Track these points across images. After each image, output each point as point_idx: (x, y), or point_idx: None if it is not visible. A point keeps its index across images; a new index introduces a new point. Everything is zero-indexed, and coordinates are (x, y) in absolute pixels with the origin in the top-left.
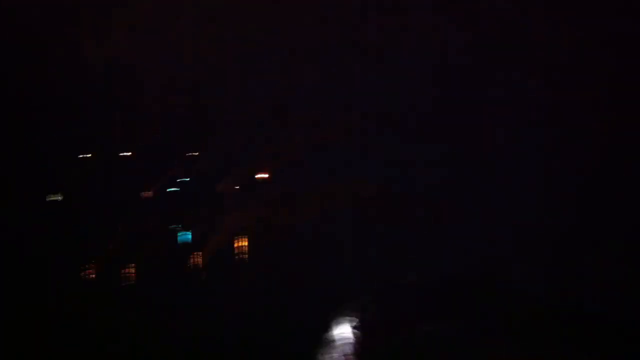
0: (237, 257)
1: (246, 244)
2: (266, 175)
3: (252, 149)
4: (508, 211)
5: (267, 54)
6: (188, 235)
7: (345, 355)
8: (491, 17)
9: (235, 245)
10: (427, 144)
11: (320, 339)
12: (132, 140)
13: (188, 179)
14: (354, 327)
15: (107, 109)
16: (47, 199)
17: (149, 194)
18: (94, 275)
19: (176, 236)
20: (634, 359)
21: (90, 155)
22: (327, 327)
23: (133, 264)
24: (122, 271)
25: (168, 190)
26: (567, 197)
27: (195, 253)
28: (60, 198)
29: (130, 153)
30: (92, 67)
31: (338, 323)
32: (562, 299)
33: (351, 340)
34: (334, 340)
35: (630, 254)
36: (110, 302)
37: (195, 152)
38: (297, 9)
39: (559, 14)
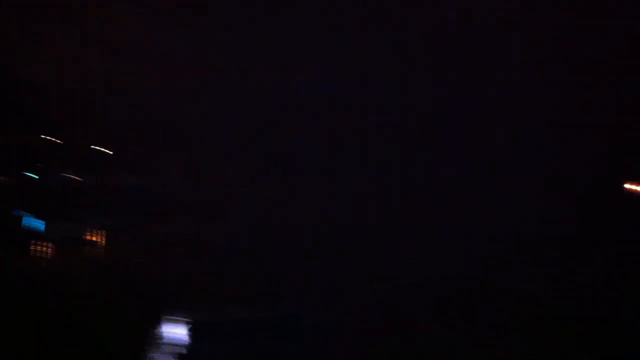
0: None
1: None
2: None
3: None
4: (508, 211)
5: (265, 54)
6: (37, 223)
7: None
8: (491, 16)
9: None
10: (426, 143)
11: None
12: None
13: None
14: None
15: None
16: None
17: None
18: None
19: (20, 222)
20: (634, 359)
21: None
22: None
23: None
24: None
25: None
26: (567, 197)
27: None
28: None
29: None
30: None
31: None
32: (562, 299)
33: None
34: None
35: (630, 254)
36: None
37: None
38: (295, 12)
39: (560, 13)
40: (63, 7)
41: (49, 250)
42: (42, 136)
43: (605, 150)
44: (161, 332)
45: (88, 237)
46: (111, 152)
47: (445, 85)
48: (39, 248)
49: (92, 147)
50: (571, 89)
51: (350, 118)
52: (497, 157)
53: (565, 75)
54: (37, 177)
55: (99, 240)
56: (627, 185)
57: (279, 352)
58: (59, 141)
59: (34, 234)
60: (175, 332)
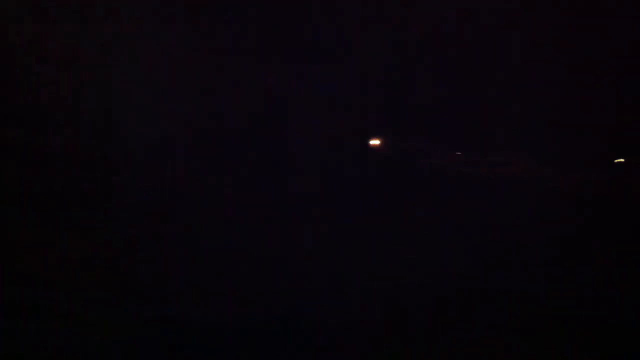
0: None
1: None
2: None
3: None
4: (508, 211)
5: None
6: None
7: None
8: (492, 15)
9: None
10: (426, 142)
11: None
12: None
13: None
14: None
15: None
16: None
17: None
18: None
19: None
20: (634, 359)
21: None
22: None
23: None
24: None
25: None
26: (567, 197)
27: None
28: None
29: None
30: None
31: None
32: (562, 299)
33: None
34: None
35: (630, 254)
36: None
37: None
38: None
39: (560, 13)
40: (62, 6)
41: None
42: None
43: (605, 149)
44: None
45: None
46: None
47: (446, 85)
48: None
49: None
50: (571, 89)
51: (348, 116)
52: (497, 155)
53: (565, 75)
54: None
55: None
56: (371, 142)
57: (279, 352)
58: None
59: None
60: None
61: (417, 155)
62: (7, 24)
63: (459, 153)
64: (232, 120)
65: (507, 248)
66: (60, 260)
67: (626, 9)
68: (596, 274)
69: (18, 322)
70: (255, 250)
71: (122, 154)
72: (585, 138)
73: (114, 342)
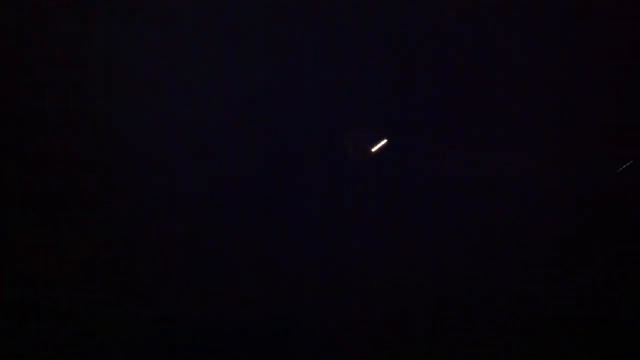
0: None
1: None
2: None
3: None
4: (508, 211)
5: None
6: None
7: None
8: (492, 15)
9: None
10: (426, 142)
11: None
12: None
13: None
14: None
15: None
16: None
17: None
18: None
19: None
20: (634, 359)
21: None
22: None
23: None
24: None
25: None
26: (567, 197)
27: None
28: None
29: None
30: None
31: None
32: (562, 299)
33: None
34: None
35: (630, 254)
36: None
37: None
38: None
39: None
40: (63, 6)
41: None
42: None
43: (605, 149)
44: None
45: None
46: None
47: (445, 85)
48: None
49: None
50: (571, 89)
51: (349, 116)
52: (497, 155)
53: (565, 75)
54: None
55: None
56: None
57: (279, 352)
58: None
59: None
60: None
61: (417, 155)
62: (8, 24)
63: (458, 153)
64: (230, 119)
65: (507, 248)
66: (60, 260)
67: (626, 9)
68: (596, 274)
69: (18, 322)
70: (255, 250)
71: (123, 154)
72: (585, 138)
73: (114, 342)
